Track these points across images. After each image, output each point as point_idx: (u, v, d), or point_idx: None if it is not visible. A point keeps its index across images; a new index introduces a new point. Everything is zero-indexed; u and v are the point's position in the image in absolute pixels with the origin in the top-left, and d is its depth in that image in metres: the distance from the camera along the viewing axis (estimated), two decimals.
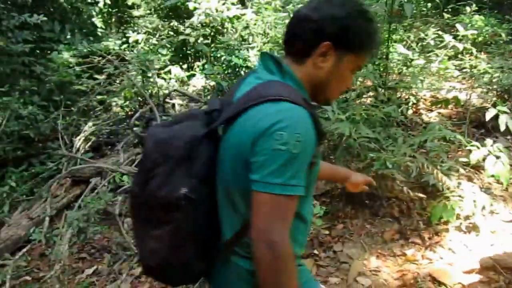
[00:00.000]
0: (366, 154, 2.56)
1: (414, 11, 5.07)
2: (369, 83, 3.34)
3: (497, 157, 2.58)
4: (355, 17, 0.95)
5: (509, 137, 3.39)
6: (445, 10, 5.61)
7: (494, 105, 2.82)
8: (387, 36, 3.10)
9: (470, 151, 2.71)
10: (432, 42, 4.10)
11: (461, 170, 2.94)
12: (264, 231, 0.85)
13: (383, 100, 3.02)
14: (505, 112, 2.72)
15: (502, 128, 2.70)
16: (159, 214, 0.97)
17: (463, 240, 2.56)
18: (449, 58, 4.22)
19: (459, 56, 4.48)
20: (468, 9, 5.38)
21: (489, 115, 2.75)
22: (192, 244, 1.00)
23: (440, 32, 4.18)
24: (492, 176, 2.71)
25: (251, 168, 0.88)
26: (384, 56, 3.16)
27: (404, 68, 3.73)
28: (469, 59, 4.28)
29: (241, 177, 0.91)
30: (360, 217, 2.86)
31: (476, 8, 5.28)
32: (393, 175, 2.47)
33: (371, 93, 3.34)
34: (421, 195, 2.49)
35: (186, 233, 0.98)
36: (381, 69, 3.23)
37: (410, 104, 3.76)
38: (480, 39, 4.91)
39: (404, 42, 4.34)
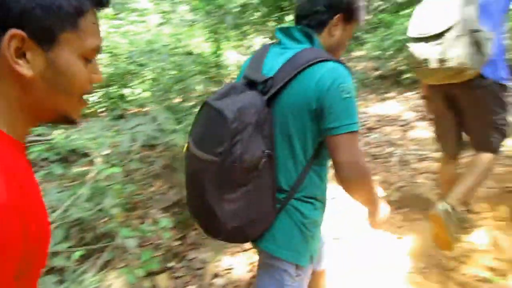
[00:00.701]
0: None
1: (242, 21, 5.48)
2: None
3: None
4: None
5: None
6: (271, 18, 6.21)
7: None
8: (216, 45, 3.27)
9: None
10: None
11: None
12: (352, 161, 1.12)
13: None
14: None
15: None
16: (241, 176, 1.11)
17: None
18: None
19: None
20: (290, 17, 6.06)
21: None
22: (270, 196, 1.20)
23: (267, 39, 4.61)
24: None
25: (327, 118, 1.11)
26: (215, 65, 3.32)
27: None
28: None
29: (306, 128, 1.17)
30: None
31: None
32: None
33: None
34: None
35: (265, 188, 1.17)
36: (214, 78, 3.38)
37: None
38: None
39: (238, 49, 4.65)
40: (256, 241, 1.30)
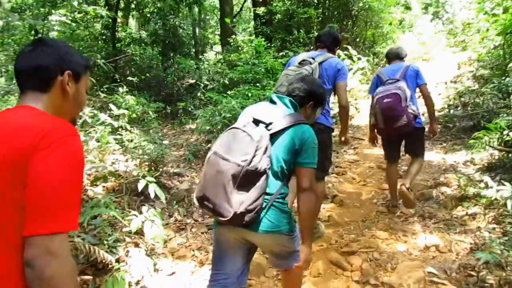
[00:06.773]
0: None
1: None
2: None
3: (152, 221, 2.95)
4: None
5: (162, 200, 3.95)
6: (102, 89, 6.09)
7: (144, 176, 3.24)
8: None
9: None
10: (89, 120, 4.30)
11: (127, 239, 3.15)
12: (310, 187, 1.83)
13: None
14: (153, 182, 3.17)
15: (152, 195, 3.13)
16: (252, 178, 1.68)
17: None
18: (111, 132, 4.54)
19: (119, 131, 4.93)
20: (120, 89, 6.06)
21: (140, 186, 3.11)
22: (262, 195, 1.72)
23: (95, 111, 4.45)
24: (152, 238, 3.05)
25: (300, 155, 1.83)
26: None
27: None
28: (126, 134, 4.78)
29: (291, 159, 1.82)
30: None
31: (127, 89, 6.03)
32: None
33: None
34: (87, 276, 2.46)
35: (261, 189, 1.72)
36: None
37: None
38: (133, 116, 5.62)
39: None
40: (252, 228, 1.73)
